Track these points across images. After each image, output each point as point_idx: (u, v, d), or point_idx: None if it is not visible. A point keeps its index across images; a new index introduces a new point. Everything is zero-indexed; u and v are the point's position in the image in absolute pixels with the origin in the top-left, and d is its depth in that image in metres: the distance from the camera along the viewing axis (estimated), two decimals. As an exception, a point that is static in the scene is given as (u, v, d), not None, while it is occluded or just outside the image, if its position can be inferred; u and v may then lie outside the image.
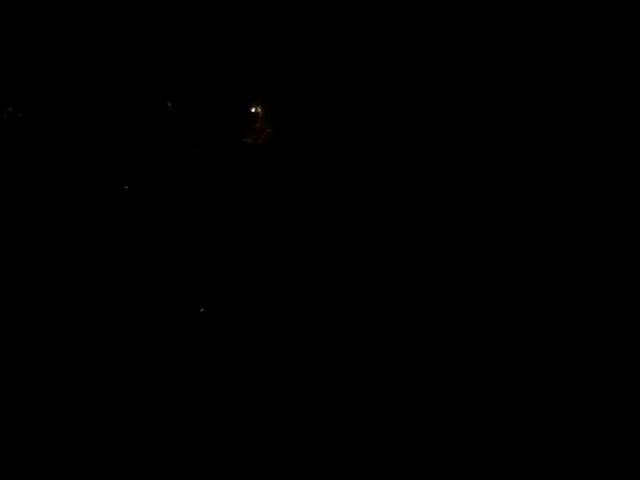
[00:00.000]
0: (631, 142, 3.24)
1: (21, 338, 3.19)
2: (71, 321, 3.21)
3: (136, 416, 3.14)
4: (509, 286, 3.23)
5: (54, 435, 3.09)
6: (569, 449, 3.05)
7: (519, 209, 3.27)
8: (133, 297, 3.27)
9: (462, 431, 3.10)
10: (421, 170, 3.29)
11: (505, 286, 3.23)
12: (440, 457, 3.09)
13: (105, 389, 3.16)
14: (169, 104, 3.39)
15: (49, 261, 3.26)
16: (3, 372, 3.14)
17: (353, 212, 3.32)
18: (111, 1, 3.36)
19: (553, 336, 3.17)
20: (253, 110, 3.38)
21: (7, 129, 3.36)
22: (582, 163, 3.26)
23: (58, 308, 3.22)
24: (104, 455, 3.08)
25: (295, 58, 3.34)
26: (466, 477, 3.07)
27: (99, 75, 3.38)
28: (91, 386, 3.16)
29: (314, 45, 3.32)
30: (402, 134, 3.31)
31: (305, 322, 3.25)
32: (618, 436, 3.04)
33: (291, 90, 3.36)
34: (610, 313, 3.16)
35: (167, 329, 3.25)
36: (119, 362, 3.20)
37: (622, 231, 3.21)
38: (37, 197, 3.33)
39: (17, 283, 3.24)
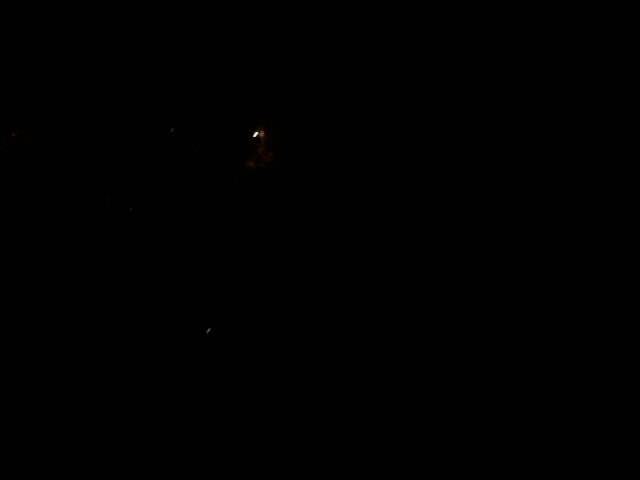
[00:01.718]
0: (631, 142, 3.24)
1: (21, 338, 3.19)
2: (71, 321, 3.21)
3: (136, 416, 3.14)
4: (509, 286, 3.23)
5: (54, 435, 3.09)
6: (569, 449, 3.05)
7: (519, 209, 3.27)
8: (133, 297, 3.27)
9: (462, 431, 3.11)
10: (420, 186, 3.29)
11: (505, 286, 3.23)
12: (440, 457, 3.09)
13: (105, 389, 3.16)
14: (170, 104, 3.39)
15: (49, 261, 3.26)
16: (3, 372, 3.14)
17: (353, 213, 3.32)
18: (114, 2, 3.36)
19: (553, 336, 3.17)
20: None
21: (7, 130, 3.36)
22: (582, 163, 3.26)
23: (58, 308, 3.22)
24: (104, 455, 3.08)
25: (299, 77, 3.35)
26: (466, 477, 3.07)
27: (99, 75, 3.38)
28: (91, 386, 3.16)
29: (318, 65, 3.33)
30: (404, 153, 3.32)
31: (305, 322, 3.25)
32: (618, 436, 3.04)
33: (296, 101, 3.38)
34: (610, 313, 3.16)
35: (167, 329, 3.25)
36: (119, 362, 3.20)
37: (622, 231, 3.21)
38: (37, 197, 3.32)
39: (17, 283, 3.24)
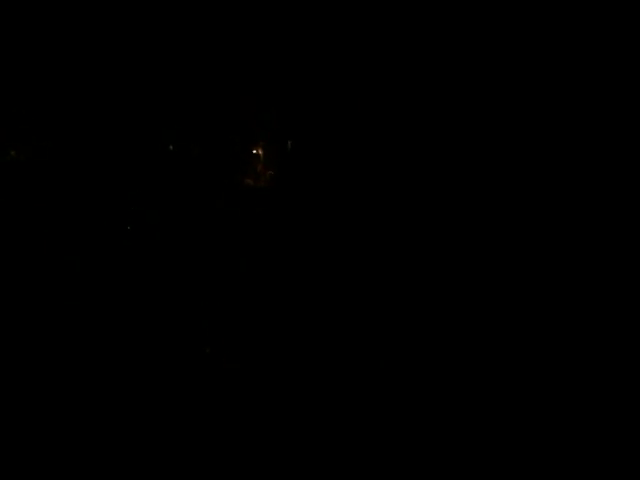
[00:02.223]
0: (631, 142, 3.24)
1: (21, 338, 3.19)
2: (71, 321, 3.22)
3: (136, 416, 3.14)
4: (509, 286, 3.23)
5: (54, 435, 3.09)
6: (569, 449, 3.06)
7: (519, 209, 3.28)
8: (133, 297, 3.27)
9: (462, 431, 3.11)
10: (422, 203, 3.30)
11: (505, 286, 3.23)
12: (440, 457, 3.09)
13: (104, 389, 3.16)
14: (170, 104, 3.39)
15: (49, 261, 3.26)
16: (3, 372, 3.15)
17: (353, 214, 3.32)
18: (115, 2, 3.36)
19: (553, 336, 3.17)
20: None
21: (7, 130, 3.36)
22: (582, 163, 3.26)
23: (58, 308, 3.22)
24: (104, 455, 3.08)
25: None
26: (466, 477, 3.07)
27: (99, 76, 3.38)
28: (91, 386, 3.16)
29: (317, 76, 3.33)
30: (406, 168, 3.33)
31: (305, 322, 3.25)
32: (618, 436, 3.04)
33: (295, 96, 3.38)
34: (610, 313, 3.16)
35: (167, 329, 3.25)
36: (119, 362, 3.20)
37: (622, 231, 3.21)
38: (37, 197, 3.33)
39: (17, 283, 3.24)
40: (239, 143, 3.37)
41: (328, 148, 3.34)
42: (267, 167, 3.35)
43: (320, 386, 3.18)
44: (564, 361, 3.15)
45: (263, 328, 3.27)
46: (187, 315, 3.26)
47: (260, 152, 3.36)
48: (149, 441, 3.11)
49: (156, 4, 3.36)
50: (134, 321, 3.24)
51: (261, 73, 3.39)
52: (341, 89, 3.34)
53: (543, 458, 3.06)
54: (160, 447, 3.10)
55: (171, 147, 3.32)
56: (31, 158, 3.34)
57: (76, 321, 3.22)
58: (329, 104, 3.34)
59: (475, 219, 3.28)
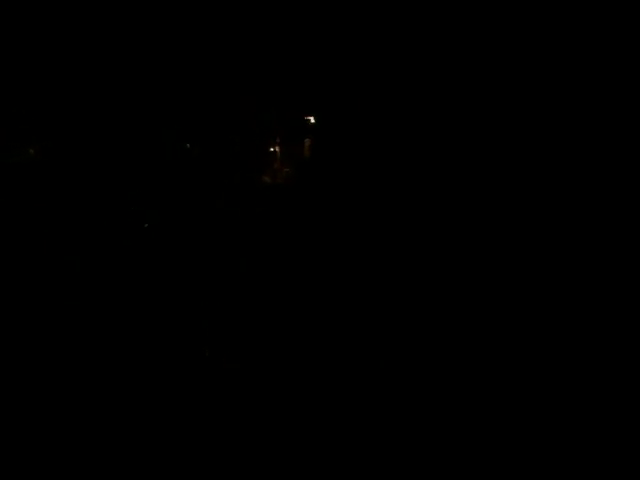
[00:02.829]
0: (631, 142, 3.24)
1: (21, 338, 3.19)
2: (71, 321, 3.22)
3: (136, 415, 3.14)
4: (508, 286, 3.23)
5: (54, 435, 3.10)
6: (568, 449, 3.06)
7: (519, 209, 3.28)
8: (133, 297, 3.27)
9: (462, 431, 3.11)
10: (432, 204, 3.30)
11: (504, 286, 3.24)
12: (440, 457, 3.09)
13: (105, 388, 3.16)
14: (171, 105, 3.40)
15: (49, 261, 3.27)
16: (3, 372, 3.15)
17: (353, 214, 3.33)
18: (115, 3, 3.36)
19: (553, 336, 3.17)
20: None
21: (7, 129, 3.36)
22: (582, 163, 3.26)
23: (58, 308, 3.23)
24: (104, 455, 3.08)
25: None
26: (466, 477, 3.07)
27: (101, 77, 3.39)
28: (91, 385, 3.16)
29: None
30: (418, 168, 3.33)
31: (305, 322, 3.25)
32: (618, 436, 3.04)
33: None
34: (610, 313, 3.16)
35: (168, 329, 3.25)
36: (119, 362, 3.20)
37: (622, 231, 3.21)
38: (37, 197, 3.33)
39: (17, 283, 3.25)
40: (239, 143, 3.38)
41: (343, 146, 3.34)
42: (284, 165, 3.36)
43: (319, 385, 3.19)
44: (562, 359, 3.15)
45: (263, 328, 3.27)
46: (187, 315, 3.27)
47: (277, 150, 3.38)
48: (149, 439, 3.11)
49: (157, 5, 3.36)
50: (134, 320, 3.24)
51: (261, 73, 3.40)
52: (349, 89, 3.34)
53: (542, 456, 3.07)
54: (160, 445, 3.10)
55: (181, 146, 3.32)
56: (34, 159, 3.35)
57: (76, 320, 3.22)
58: (341, 103, 3.34)
59: (491, 222, 3.28)
